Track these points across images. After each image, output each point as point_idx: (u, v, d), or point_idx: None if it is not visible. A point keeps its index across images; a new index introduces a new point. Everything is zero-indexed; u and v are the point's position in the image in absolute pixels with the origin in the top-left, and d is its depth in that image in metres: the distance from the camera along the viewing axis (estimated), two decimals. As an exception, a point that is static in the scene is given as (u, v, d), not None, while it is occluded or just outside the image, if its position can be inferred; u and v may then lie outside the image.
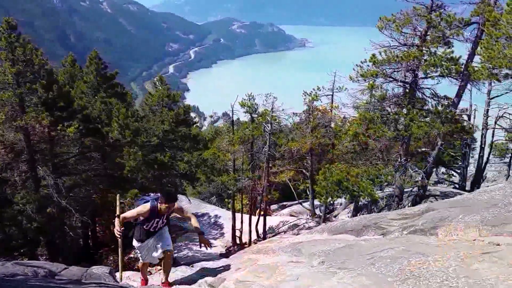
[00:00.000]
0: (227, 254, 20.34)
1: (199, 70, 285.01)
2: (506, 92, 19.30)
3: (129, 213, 6.41)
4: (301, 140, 23.71)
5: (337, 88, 25.02)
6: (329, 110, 26.34)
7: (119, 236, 6.34)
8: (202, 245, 6.66)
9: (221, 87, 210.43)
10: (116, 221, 6.35)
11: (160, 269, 7.66)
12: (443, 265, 3.95)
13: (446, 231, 5.64)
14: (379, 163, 19.12)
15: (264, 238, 21.41)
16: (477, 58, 16.15)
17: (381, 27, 17.38)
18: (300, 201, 28.95)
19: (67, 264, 7.75)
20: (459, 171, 28.29)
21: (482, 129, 24.45)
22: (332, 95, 25.52)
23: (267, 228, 23.95)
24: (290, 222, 25.91)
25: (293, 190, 28.41)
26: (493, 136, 25.57)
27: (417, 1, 17.11)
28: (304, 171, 26.83)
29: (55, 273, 6.81)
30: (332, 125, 26.40)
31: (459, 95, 17.74)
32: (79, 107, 18.19)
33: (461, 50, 17.04)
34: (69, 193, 17.98)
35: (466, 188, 25.35)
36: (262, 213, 24.06)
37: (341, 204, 27.52)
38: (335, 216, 25.57)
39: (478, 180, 25.76)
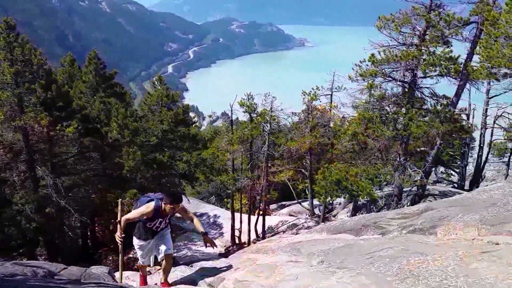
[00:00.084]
0: (226, 253, 20.35)
1: (198, 70, 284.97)
2: (505, 92, 19.31)
3: (132, 214, 6.29)
4: (300, 139, 23.70)
5: (336, 88, 25.04)
6: (328, 110, 26.33)
7: (120, 242, 6.28)
8: (208, 245, 6.59)
9: (220, 87, 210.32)
10: (118, 227, 6.27)
11: (160, 269, 7.65)
12: (442, 264, 3.95)
13: (445, 231, 5.64)
14: (378, 163, 19.13)
15: (263, 238, 21.42)
16: (476, 58, 16.16)
17: (380, 26, 17.38)
18: (299, 200, 28.96)
19: (66, 264, 7.74)
20: (458, 170, 28.32)
21: (481, 128, 24.49)
22: (331, 95, 25.53)
23: (266, 227, 23.96)
24: (289, 222, 25.92)
25: (292, 190, 28.42)
26: (492, 136, 25.61)
27: (416, 0, 17.13)
28: (303, 170, 26.84)
29: (54, 273, 6.81)
30: (331, 124, 26.41)
31: (458, 95, 17.76)
32: (78, 107, 18.17)
33: (460, 49, 17.05)
34: (68, 193, 17.96)
35: (465, 188, 25.39)
36: (261, 212, 24.08)
37: (340, 203, 27.53)
38: (334, 216, 25.58)
39: (477, 179, 25.80)
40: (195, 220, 6.64)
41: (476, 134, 25.99)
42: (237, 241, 23.11)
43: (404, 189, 20.02)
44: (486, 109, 23.90)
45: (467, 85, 17.96)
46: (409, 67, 17.51)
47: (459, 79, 17.16)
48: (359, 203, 22.63)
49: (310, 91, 24.61)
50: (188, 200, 27.44)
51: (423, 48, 16.92)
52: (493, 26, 13.80)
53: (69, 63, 22.67)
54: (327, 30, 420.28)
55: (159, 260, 6.62)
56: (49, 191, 16.53)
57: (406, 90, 18.15)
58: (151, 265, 6.91)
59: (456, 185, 27.39)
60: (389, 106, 19.17)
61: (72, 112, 17.73)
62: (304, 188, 29.41)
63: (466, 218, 5.63)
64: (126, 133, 18.52)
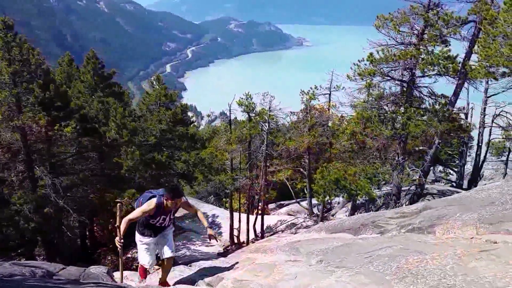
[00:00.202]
0: (225, 253, 20.35)
1: (197, 70, 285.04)
2: (503, 91, 19.33)
3: (134, 214, 6.11)
4: (298, 139, 23.70)
5: (334, 87, 25.05)
6: (327, 109, 26.33)
7: (120, 246, 6.17)
8: (212, 238, 6.43)
9: (219, 86, 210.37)
10: (117, 231, 6.15)
11: (159, 269, 7.64)
12: (440, 263, 3.95)
13: (443, 229, 5.64)
14: (376, 162, 19.15)
15: (262, 237, 21.43)
16: (474, 57, 16.20)
17: (379, 25, 17.41)
18: (298, 200, 28.97)
19: (65, 264, 7.74)
20: (456, 169, 28.36)
21: (479, 127, 24.51)
22: (330, 94, 25.54)
23: (265, 227, 23.96)
24: (288, 221, 25.93)
25: (290, 189, 28.43)
26: (490, 135, 25.66)
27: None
28: (301, 170, 26.84)
29: (53, 273, 6.80)
30: (330, 124, 26.41)
31: (456, 94, 17.78)
32: (76, 107, 18.16)
33: (458, 48, 17.07)
34: (67, 193, 17.93)
35: (464, 186, 25.42)
36: (260, 212, 24.07)
37: (338, 203, 27.55)
38: (332, 215, 25.60)
39: (475, 178, 25.84)
40: (199, 213, 6.57)
41: (475, 133, 26.02)
42: (235, 241, 23.11)
43: (402, 188, 20.05)
44: (485, 108, 23.93)
45: (466, 84, 18.00)
46: (407, 66, 17.53)
47: (457, 78, 17.19)
48: (357, 202, 22.66)
49: (309, 91, 24.61)
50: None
51: (421, 47, 16.94)
52: (492, 25, 13.83)
53: (67, 63, 22.65)
54: (326, 30, 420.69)
55: (160, 260, 6.55)
56: (47, 191, 16.50)
57: (405, 89, 18.16)
58: (153, 264, 6.72)
59: (454, 184, 27.43)
60: (387, 105, 19.18)
61: (70, 112, 17.72)
62: (303, 187, 29.41)
63: (465, 217, 5.64)
64: (125, 133, 18.50)
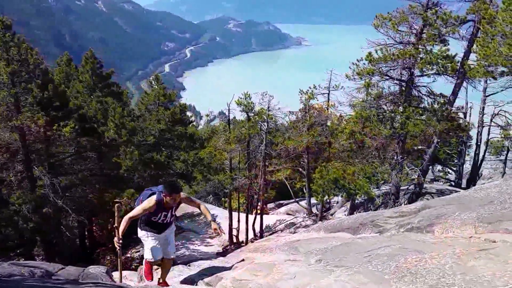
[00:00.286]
0: (224, 253, 20.34)
1: (195, 69, 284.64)
2: (502, 90, 19.35)
3: (135, 212, 6.05)
4: (297, 138, 23.67)
5: (333, 87, 25.04)
6: (326, 109, 26.34)
7: (119, 247, 6.12)
8: (216, 232, 6.31)
9: (217, 86, 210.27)
10: (116, 232, 6.10)
11: (158, 269, 7.63)
12: (439, 262, 3.96)
13: (442, 229, 5.65)
14: (375, 161, 19.17)
15: (261, 237, 21.42)
16: (473, 56, 16.21)
17: (377, 25, 17.41)
18: (297, 199, 28.96)
19: (64, 264, 7.73)
20: (455, 168, 28.39)
21: (478, 126, 24.53)
22: (328, 94, 25.54)
23: (264, 226, 23.95)
24: (287, 221, 25.93)
25: (289, 189, 28.41)
26: (489, 134, 25.66)
27: (413, -1, 17.18)
28: (300, 169, 26.83)
29: (52, 273, 6.80)
30: (329, 123, 26.40)
31: (455, 93, 17.79)
32: (75, 107, 18.16)
33: (457, 48, 17.08)
34: (65, 193, 17.95)
35: (462, 186, 25.45)
36: (258, 211, 24.06)
37: (337, 202, 27.55)
38: (331, 215, 25.60)
39: (474, 177, 25.86)
40: (202, 207, 6.52)
41: (473, 133, 26.07)
42: (235, 240, 23.10)
43: (401, 188, 20.06)
44: (483, 107, 23.95)
45: (464, 84, 18.00)
46: (406, 65, 17.54)
47: (456, 78, 17.20)
48: (356, 201, 22.66)
49: (307, 90, 24.59)
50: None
51: (420, 46, 16.94)
52: (490, 24, 13.84)
53: (66, 63, 22.63)
54: (324, 29, 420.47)
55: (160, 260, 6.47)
56: (46, 191, 16.50)
57: (403, 88, 18.17)
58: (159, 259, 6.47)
59: (453, 183, 27.44)
60: (386, 105, 19.20)
61: (69, 112, 17.72)
62: (302, 187, 29.38)
63: (463, 216, 5.65)
64: (123, 133, 18.50)
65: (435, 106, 17.92)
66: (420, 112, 18.30)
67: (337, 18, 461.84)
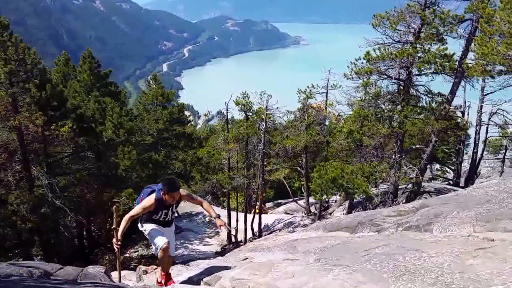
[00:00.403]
0: (222, 252, 20.35)
1: (193, 69, 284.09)
2: (500, 89, 19.39)
3: (135, 211, 5.91)
4: (295, 138, 23.69)
5: (331, 86, 25.07)
6: (324, 108, 26.37)
7: (117, 248, 6.05)
8: (222, 228, 6.05)
9: (216, 85, 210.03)
10: (114, 233, 6.02)
11: (156, 268, 7.62)
12: (438, 261, 3.96)
13: (440, 227, 5.66)
14: (373, 160, 19.17)
15: (260, 236, 21.44)
16: (471, 55, 16.20)
17: (375, 24, 17.42)
18: (295, 198, 28.99)
19: (62, 264, 7.71)
20: (453, 167, 28.40)
21: (476, 125, 24.55)
22: (327, 93, 25.56)
23: (262, 226, 23.98)
24: (285, 220, 25.96)
25: (288, 188, 28.43)
26: (487, 133, 25.67)
27: (411, -2, 17.19)
28: (299, 168, 26.86)
29: (51, 273, 6.78)
30: (327, 122, 26.44)
31: (453, 92, 17.80)
32: (72, 106, 18.12)
33: (455, 46, 17.10)
34: (64, 193, 17.89)
35: (460, 185, 25.45)
36: (257, 211, 24.08)
37: (336, 201, 27.57)
38: (330, 214, 25.61)
39: (472, 176, 25.88)
40: (205, 205, 6.35)
41: (471, 131, 26.09)
42: (233, 240, 23.12)
43: (399, 187, 20.08)
44: (481, 106, 23.96)
45: (462, 82, 18.03)
46: (404, 64, 17.55)
47: (454, 77, 17.21)
48: (354, 200, 22.67)
49: (306, 89, 24.62)
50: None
51: (418, 45, 16.95)
52: (488, 23, 13.82)
53: (64, 62, 22.61)
54: (322, 28, 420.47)
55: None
56: (44, 191, 16.47)
57: (401, 87, 18.19)
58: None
59: (451, 182, 27.47)
60: (384, 104, 19.21)
61: (67, 112, 17.69)
62: (300, 186, 29.44)
63: (462, 215, 5.66)
64: (121, 132, 18.50)
65: (433, 105, 17.94)
66: (418, 111, 18.32)
67: (335, 17, 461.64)
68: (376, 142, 19.01)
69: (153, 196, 5.93)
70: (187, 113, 37.94)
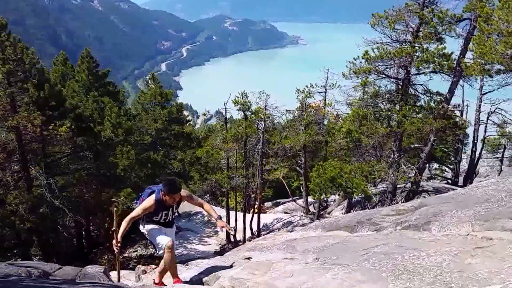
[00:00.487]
0: (221, 252, 20.35)
1: (192, 68, 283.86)
2: (498, 88, 19.42)
3: (135, 212, 5.86)
4: (294, 137, 23.68)
5: (330, 85, 25.04)
6: (322, 107, 26.36)
7: (117, 250, 6.02)
8: (223, 229, 6.13)
9: (214, 85, 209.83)
10: (114, 235, 5.98)
11: (155, 268, 7.61)
12: (436, 260, 3.97)
13: (439, 227, 5.66)
14: (372, 160, 19.18)
15: (259, 236, 21.43)
16: (469, 54, 16.21)
17: (374, 23, 17.42)
18: (294, 198, 28.98)
19: (61, 264, 7.70)
20: (451, 166, 28.44)
21: (475, 124, 24.60)
22: (325, 92, 25.55)
23: (261, 225, 23.97)
24: (284, 219, 25.95)
25: (287, 188, 28.43)
26: (485, 132, 25.72)
27: (409, -3, 17.19)
28: (297, 168, 26.86)
29: (49, 273, 6.77)
30: (325, 122, 26.44)
31: (451, 91, 17.81)
32: (71, 106, 18.10)
33: (453, 46, 17.10)
34: (62, 193, 17.88)
35: (459, 184, 25.50)
36: (256, 210, 24.07)
37: (334, 200, 27.59)
38: (329, 213, 25.63)
39: (470, 175, 25.92)
40: (206, 206, 6.29)
41: (470, 130, 26.11)
42: (232, 239, 23.11)
43: (398, 186, 20.09)
44: (480, 105, 24.01)
45: (461, 82, 18.03)
46: (402, 64, 17.56)
47: (452, 76, 17.22)
48: (353, 200, 22.68)
49: (304, 89, 24.60)
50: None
51: (416, 45, 16.95)
52: (486, 22, 13.83)
53: (62, 62, 22.58)
54: (321, 28, 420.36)
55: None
56: (42, 191, 16.46)
57: (400, 87, 18.19)
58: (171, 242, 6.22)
59: (450, 181, 27.51)
60: (383, 103, 19.23)
61: (65, 111, 17.67)
62: (299, 185, 29.44)
63: (460, 214, 5.66)
64: (120, 132, 18.49)
65: (432, 104, 17.95)
66: (417, 110, 18.34)
67: (334, 16, 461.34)
68: (374, 141, 19.02)
69: (153, 197, 5.88)
70: (185, 112, 37.97)
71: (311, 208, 26.99)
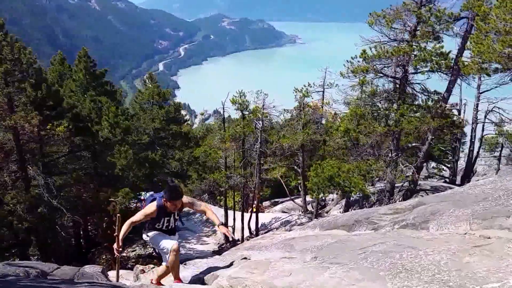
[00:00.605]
0: (219, 251, 20.36)
1: (189, 68, 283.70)
2: (496, 87, 19.42)
3: (136, 217, 5.89)
4: (292, 136, 23.71)
5: (328, 84, 25.07)
6: (320, 107, 26.37)
7: (118, 254, 6.02)
8: (225, 234, 6.16)
9: (212, 84, 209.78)
10: (116, 239, 5.97)
11: (154, 267, 7.60)
12: (434, 258, 3.97)
13: (437, 225, 5.67)
14: (370, 159, 19.20)
15: (257, 235, 21.44)
16: (467, 53, 16.26)
17: (372, 22, 17.43)
18: (292, 197, 29.00)
19: (59, 264, 7.70)
20: (449, 165, 28.49)
21: (472, 123, 24.62)
22: (323, 92, 25.57)
23: (259, 224, 23.98)
24: (282, 219, 25.97)
25: (285, 187, 28.45)
26: (483, 130, 25.76)
27: (406, -4, 17.20)
28: (295, 167, 26.87)
29: (47, 273, 6.76)
30: (323, 121, 26.45)
31: (449, 90, 17.85)
32: (68, 106, 18.05)
33: (451, 44, 17.13)
34: (60, 193, 17.84)
35: (457, 182, 25.53)
36: (254, 210, 24.08)
37: (332, 199, 27.62)
38: (327, 212, 25.66)
39: (468, 174, 25.96)
40: (209, 212, 6.24)
41: (467, 129, 26.14)
42: (230, 239, 23.11)
43: (396, 185, 20.12)
44: (477, 104, 24.03)
45: (458, 80, 18.06)
46: (400, 63, 17.58)
47: (450, 75, 17.25)
48: (351, 199, 22.71)
49: (302, 88, 24.61)
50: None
51: (414, 43, 16.98)
52: (484, 21, 13.86)
53: (59, 62, 22.52)
54: (319, 27, 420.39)
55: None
56: (40, 190, 16.42)
57: (398, 86, 18.22)
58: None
59: (447, 180, 27.55)
60: (380, 102, 19.24)
61: (63, 111, 17.62)
62: (297, 184, 29.44)
63: (458, 213, 5.67)
64: (118, 132, 18.45)
65: (429, 103, 17.98)
66: (415, 109, 18.36)
67: (331, 16, 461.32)
68: (372, 140, 19.04)
69: (155, 203, 5.88)
70: (183, 112, 37.87)
71: (309, 207, 27.01)
